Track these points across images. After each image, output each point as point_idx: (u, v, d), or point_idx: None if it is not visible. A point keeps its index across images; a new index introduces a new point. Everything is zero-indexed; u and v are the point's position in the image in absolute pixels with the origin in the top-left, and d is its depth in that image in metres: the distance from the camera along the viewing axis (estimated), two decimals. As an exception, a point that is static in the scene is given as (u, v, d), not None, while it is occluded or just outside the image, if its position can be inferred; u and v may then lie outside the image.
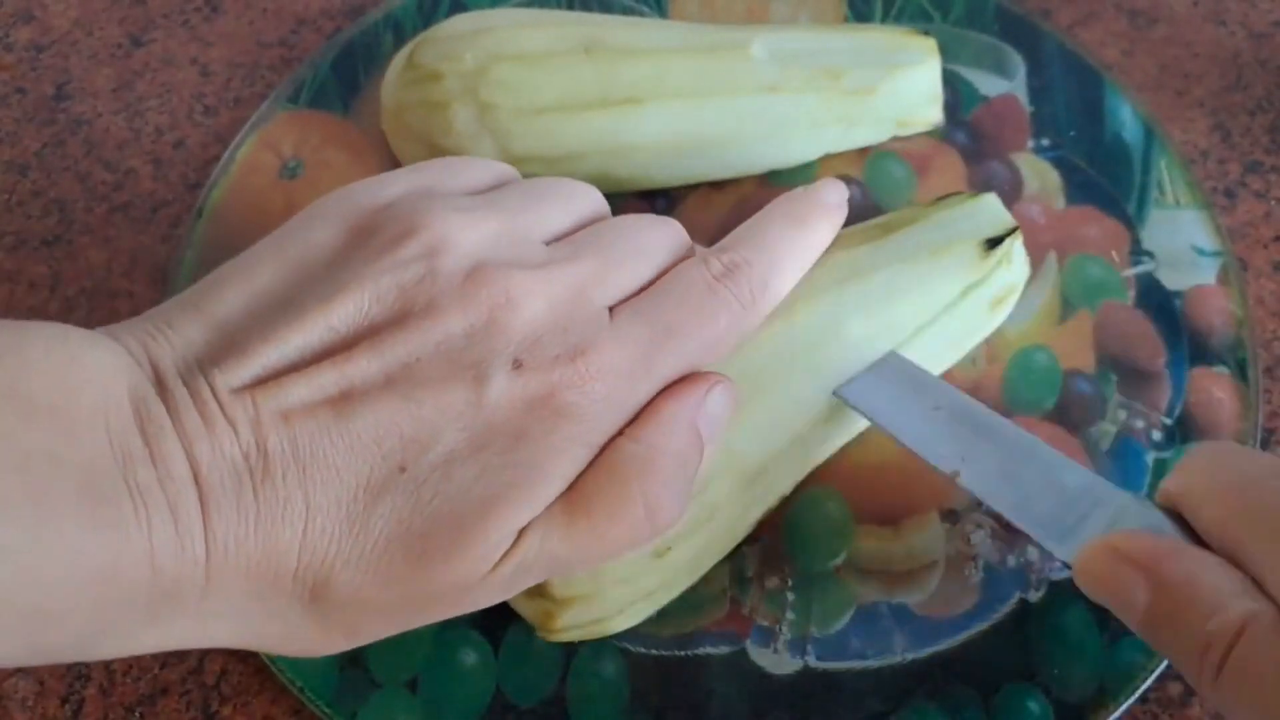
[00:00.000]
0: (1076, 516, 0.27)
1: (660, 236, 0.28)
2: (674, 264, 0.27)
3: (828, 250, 0.30)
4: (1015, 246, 0.34)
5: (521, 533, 0.24)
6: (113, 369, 0.22)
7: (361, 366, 0.23)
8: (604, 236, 0.27)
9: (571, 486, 0.24)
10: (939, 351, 0.33)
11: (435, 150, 0.36)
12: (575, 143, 0.36)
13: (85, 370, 0.21)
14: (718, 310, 0.27)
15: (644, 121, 0.36)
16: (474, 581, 0.24)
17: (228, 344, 0.23)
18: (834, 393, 0.31)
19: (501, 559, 0.24)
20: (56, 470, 0.20)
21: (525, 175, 0.35)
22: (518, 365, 0.24)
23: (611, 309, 0.26)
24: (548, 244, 0.27)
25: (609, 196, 0.37)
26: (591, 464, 0.25)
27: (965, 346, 0.34)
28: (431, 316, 0.24)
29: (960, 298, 0.33)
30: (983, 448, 0.29)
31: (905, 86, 0.37)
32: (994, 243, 0.33)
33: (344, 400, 0.23)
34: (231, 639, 0.24)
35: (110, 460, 0.21)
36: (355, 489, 0.22)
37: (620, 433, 0.25)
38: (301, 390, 0.22)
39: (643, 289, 0.27)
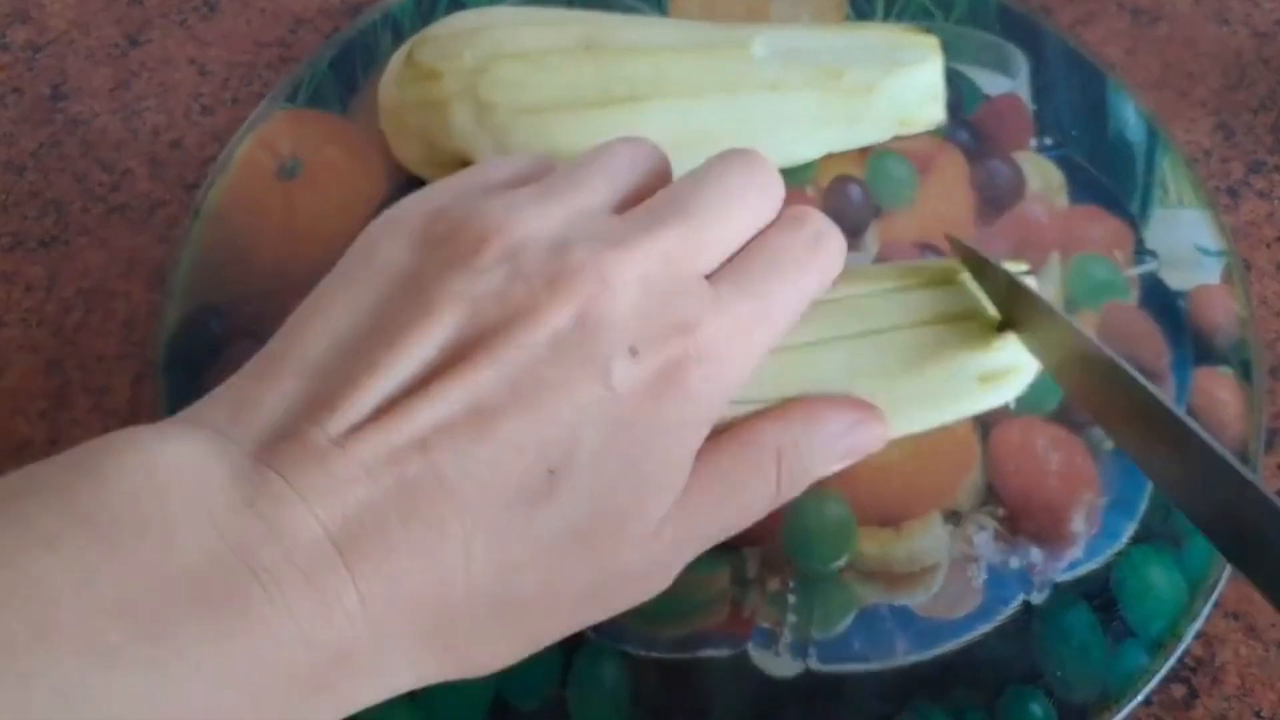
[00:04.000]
0: None
1: (740, 185, 0.26)
2: (758, 216, 0.27)
3: (850, 288, 0.30)
4: None
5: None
6: (196, 457, 0.20)
7: (487, 379, 0.22)
8: (681, 197, 0.26)
9: (702, 462, 0.25)
10: (912, 404, 0.30)
11: (434, 149, 0.36)
12: (575, 141, 0.35)
13: (164, 471, 0.20)
14: (809, 281, 0.26)
15: (644, 120, 0.35)
16: (644, 566, 0.24)
17: (329, 387, 0.22)
18: None
19: (656, 540, 0.24)
20: (160, 593, 0.18)
21: (525, 175, 0.35)
22: (634, 352, 0.23)
23: (709, 276, 0.25)
24: (620, 214, 0.26)
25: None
26: (719, 441, 0.26)
27: (944, 414, 0.31)
28: (534, 317, 0.23)
29: (952, 365, 0.30)
30: None
31: (907, 85, 0.37)
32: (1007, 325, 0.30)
33: (478, 416, 0.22)
34: (416, 681, 0.23)
35: (223, 553, 0.19)
36: (509, 499, 0.22)
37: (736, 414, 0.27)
38: (431, 414, 0.21)
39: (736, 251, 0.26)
